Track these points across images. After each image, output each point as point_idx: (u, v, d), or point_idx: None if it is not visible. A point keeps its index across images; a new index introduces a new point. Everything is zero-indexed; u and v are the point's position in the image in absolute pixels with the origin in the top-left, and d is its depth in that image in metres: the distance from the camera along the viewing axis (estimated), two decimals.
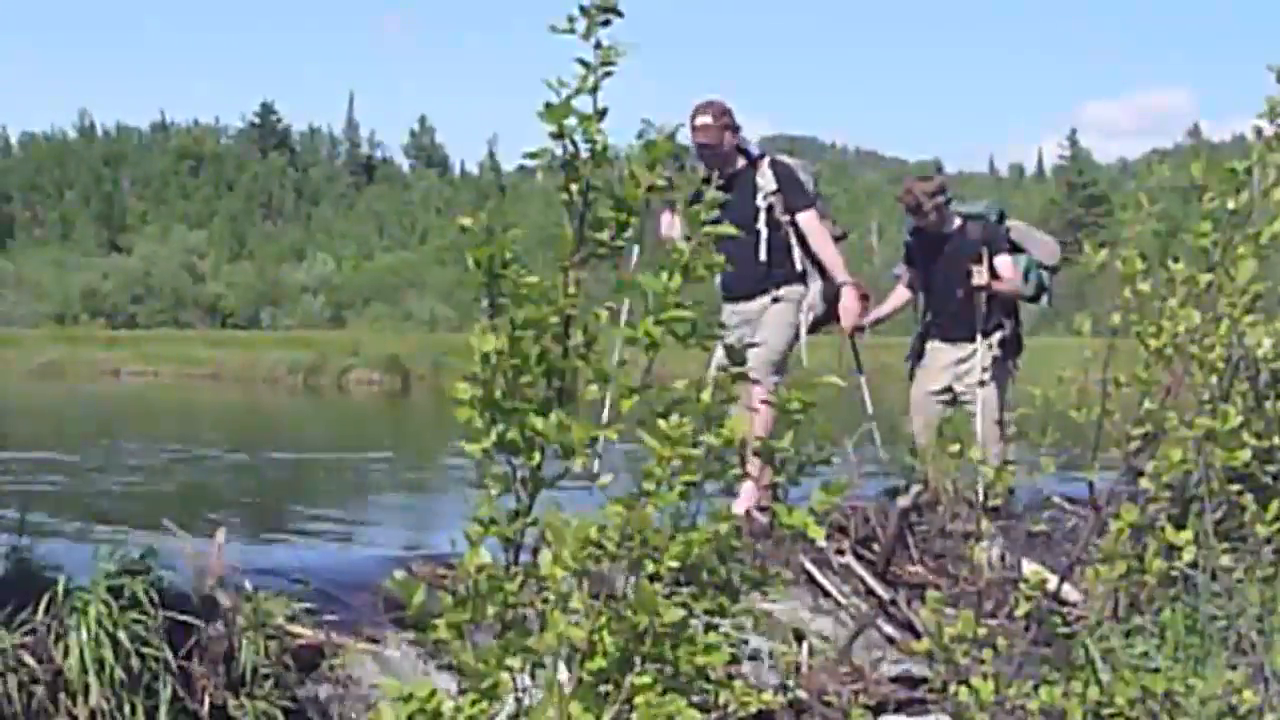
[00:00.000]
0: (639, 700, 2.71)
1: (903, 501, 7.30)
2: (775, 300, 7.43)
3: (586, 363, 2.93)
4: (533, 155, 2.95)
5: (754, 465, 3.01)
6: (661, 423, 2.73)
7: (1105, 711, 4.17)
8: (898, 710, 5.68)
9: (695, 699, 2.82)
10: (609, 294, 3.13)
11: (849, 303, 7.50)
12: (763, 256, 7.31)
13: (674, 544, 2.72)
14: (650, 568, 2.73)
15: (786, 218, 7.42)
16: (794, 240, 7.46)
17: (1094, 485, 4.90)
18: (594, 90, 2.91)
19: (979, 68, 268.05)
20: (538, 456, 2.87)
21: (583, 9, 2.91)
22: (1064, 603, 5.37)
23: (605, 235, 3.03)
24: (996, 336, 8.24)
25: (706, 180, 3.13)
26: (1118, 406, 4.83)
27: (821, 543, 6.51)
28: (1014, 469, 4.75)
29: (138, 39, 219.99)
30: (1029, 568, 6.03)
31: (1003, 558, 7.02)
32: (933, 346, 8.41)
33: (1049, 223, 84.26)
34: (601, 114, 2.89)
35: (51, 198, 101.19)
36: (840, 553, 7.11)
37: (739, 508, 5.82)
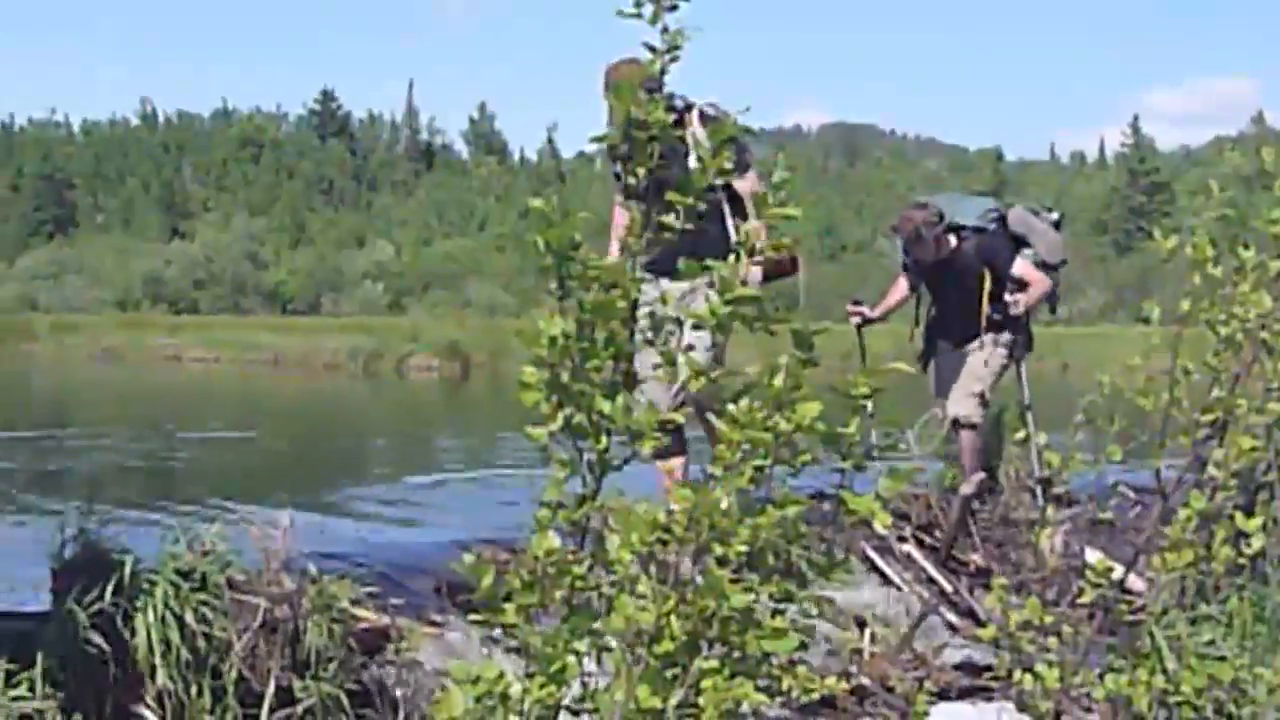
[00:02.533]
0: (705, 684, 2.71)
1: (965, 489, 7.28)
2: (711, 285, 6.66)
3: (653, 347, 2.93)
4: (600, 139, 2.96)
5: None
6: (731, 407, 2.73)
7: (1171, 700, 4.14)
8: (960, 697, 5.66)
9: (761, 683, 2.82)
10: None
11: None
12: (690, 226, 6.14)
13: (742, 528, 2.71)
14: (718, 552, 2.72)
15: (719, 181, 6.59)
16: (727, 209, 6.46)
17: (1160, 473, 4.84)
18: (661, 75, 2.91)
19: (1040, 54, 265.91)
20: (605, 440, 2.87)
21: None
22: (1129, 591, 5.32)
23: (671, 219, 3.04)
24: (1005, 336, 7.90)
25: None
26: (1186, 394, 4.77)
27: (883, 530, 6.49)
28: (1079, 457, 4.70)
29: (199, 27, 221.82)
30: (1092, 556, 5.99)
31: (1065, 545, 6.98)
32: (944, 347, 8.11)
33: (1111, 209, 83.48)
34: (669, 99, 2.89)
35: (114, 185, 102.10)
36: (902, 540, 7.10)
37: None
